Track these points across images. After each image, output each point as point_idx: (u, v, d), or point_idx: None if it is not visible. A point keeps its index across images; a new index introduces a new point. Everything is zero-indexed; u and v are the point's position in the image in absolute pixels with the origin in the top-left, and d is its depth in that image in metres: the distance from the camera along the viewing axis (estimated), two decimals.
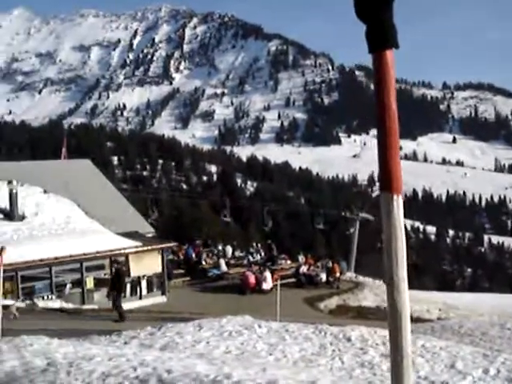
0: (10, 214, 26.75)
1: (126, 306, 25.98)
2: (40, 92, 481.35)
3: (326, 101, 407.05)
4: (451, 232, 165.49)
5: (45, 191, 29.45)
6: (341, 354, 11.07)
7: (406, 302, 1.57)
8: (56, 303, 22.67)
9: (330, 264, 34.32)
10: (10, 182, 27.06)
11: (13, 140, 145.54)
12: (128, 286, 27.68)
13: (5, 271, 11.76)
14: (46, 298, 24.21)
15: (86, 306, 23.90)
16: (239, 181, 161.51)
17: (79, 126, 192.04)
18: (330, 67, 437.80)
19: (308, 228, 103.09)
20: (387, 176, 1.63)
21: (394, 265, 1.59)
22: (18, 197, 27.02)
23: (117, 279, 20.19)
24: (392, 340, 1.56)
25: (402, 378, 1.57)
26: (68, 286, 25.69)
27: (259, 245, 42.96)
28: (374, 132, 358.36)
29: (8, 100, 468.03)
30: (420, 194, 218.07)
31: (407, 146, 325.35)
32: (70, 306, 22.89)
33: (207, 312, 19.24)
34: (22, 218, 26.97)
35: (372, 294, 31.27)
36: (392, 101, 1.64)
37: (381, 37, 1.78)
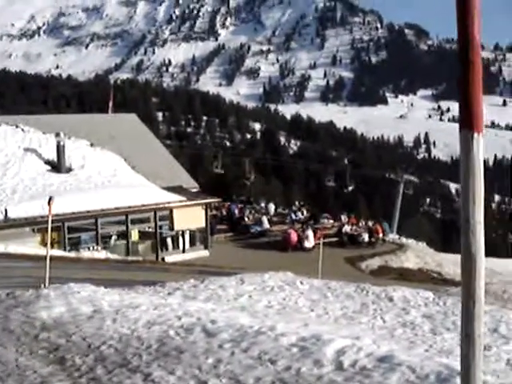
0: (58, 166, 27.23)
1: (169, 258, 26.49)
2: (86, 47, 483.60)
3: (374, 59, 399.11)
4: (497, 197, 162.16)
5: (91, 144, 29.84)
6: (382, 313, 11.02)
7: (482, 246, 1.50)
8: (101, 254, 23.14)
9: (373, 224, 34.16)
10: (57, 135, 27.49)
11: (60, 94, 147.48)
12: (169, 239, 28.14)
13: (52, 221, 11.96)
14: (91, 248, 24.77)
15: (130, 258, 24.37)
16: (283, 139, 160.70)
17: (125, 81, 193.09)
18: (379, 25, 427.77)
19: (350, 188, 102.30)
20: (468, 113, 1.54)
21: (471, 207, 1.51)
22: (65, 149, 27.46)
23: None
24: (464, 285, 1.50)
25: (473, 324, 1.50)
26: (113, 237, 26.21)
27: (302, 203, 42.95)
28: (421, 93, 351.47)
29: (55, 54, 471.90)
30: None
31: (455, 108, 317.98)
32: (114, 257, 23.34)
33: (249, 267, 19.36)
34: (69, 170, 27.44)
35: (414, 256, 31.01)
36: (476, 31, 1.52)
37: None
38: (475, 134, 1.57)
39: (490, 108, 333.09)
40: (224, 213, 36.55)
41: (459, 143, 1.61)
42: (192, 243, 28.74)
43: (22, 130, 29.18)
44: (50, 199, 11.68)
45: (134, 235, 26.92)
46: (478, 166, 1.58)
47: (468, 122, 1.55)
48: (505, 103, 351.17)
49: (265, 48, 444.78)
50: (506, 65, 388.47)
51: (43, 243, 18.80)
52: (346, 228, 32.66)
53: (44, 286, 9.99)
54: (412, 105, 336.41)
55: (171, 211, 27.41)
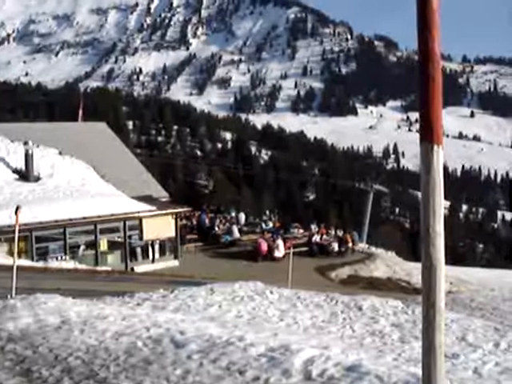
0: (26, 175, 26.89)
1: (139, 268, 26.25)
2: (57, 54, 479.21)
3: (344, 70, 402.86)
4: (464, 207, 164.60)
5: (60, 153, 29.55)
6: (352, 322, 11.08)
7: (442, 257, 1.52)
8: (69, 264, 22.85)
9: (343, 234, 34.34)
10: (25, 143, 27.16)
11: (29, 102, 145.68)
12: (139, 249, 27.92)
13: (19, 231, 11.79)
14: (59, 258, 24.44)
15: (99, 268, 24.10)
16: (253, 149, 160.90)
17: (95, 90, 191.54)
18: (349, 36, 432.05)
19: (320, 198, 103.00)
20: (428, 126, 1.55)
21: (431, 219, 1.52)
22: (33, 158, 27.13)
23: None
24: (425, 295, 1.52)
25: (434, 333, 1.52)
26: (82, 247, 25.91)
27: (271, 212, 43.02)
28: (391, 104, 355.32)
29: (24, 62, 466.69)
30: None
31: None
32: (83, 267, 23.07)
33: (219, 277, 19.31)
34: (37, 179, 27.12)
35: (384, 265, 31.23)
36: (436, 44, 1.53)
37: None
38: (435, 147, 1.59)
39: (457, 119, 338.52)
40: (194, 222, 36.38)
41: (420, 155, 1.63)
42: (162, 253, 28.53)
43: None
44: (18, 208, 11.53)
45: (103, 245, 26.63)
46: (438, 178, 1.59)
47: (428, 135, 1.56)
48: (472, 114, 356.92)
49: (236, 58, 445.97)
50: (473, 76, 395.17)
51: (10, 253, 18.50)
52: (316, 238, 32.76)
53: (11, 296, 9.85)
54: (381, 116, 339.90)
55: (141, 221, 27.21)
